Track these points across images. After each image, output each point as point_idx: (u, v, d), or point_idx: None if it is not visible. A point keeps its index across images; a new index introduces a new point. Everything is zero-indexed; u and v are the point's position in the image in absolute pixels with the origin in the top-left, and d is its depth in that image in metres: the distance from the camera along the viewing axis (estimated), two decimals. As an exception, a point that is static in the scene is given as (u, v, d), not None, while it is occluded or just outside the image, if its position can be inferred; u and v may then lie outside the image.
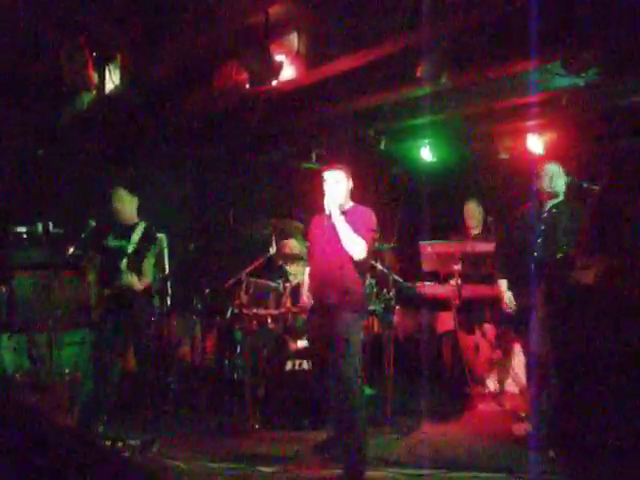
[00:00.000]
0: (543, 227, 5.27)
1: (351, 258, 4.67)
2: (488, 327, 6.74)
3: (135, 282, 5.58)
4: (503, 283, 5.57)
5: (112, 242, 5.73)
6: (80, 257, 5.79)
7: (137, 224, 5.81)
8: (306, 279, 5.13)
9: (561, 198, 5.31)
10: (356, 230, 4.65)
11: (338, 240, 4.68)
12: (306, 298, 4.91)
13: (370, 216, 4.81)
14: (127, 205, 5.77)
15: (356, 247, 4.61)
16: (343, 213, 4.73)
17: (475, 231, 7.13)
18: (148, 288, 5.80)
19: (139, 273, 5.64)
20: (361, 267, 4.79)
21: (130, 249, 5.66)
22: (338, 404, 4.67)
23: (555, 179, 5.24)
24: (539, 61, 4.89)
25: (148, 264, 5.75)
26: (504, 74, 5.42)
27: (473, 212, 7.14)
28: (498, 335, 6.66)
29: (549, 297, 4.86)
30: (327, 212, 4.73)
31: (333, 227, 4.70)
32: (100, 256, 5.77)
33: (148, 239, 5.79)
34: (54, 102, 6.24)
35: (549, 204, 5.32)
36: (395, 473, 4.70)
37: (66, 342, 6.20)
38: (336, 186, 4.78)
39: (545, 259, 5.09)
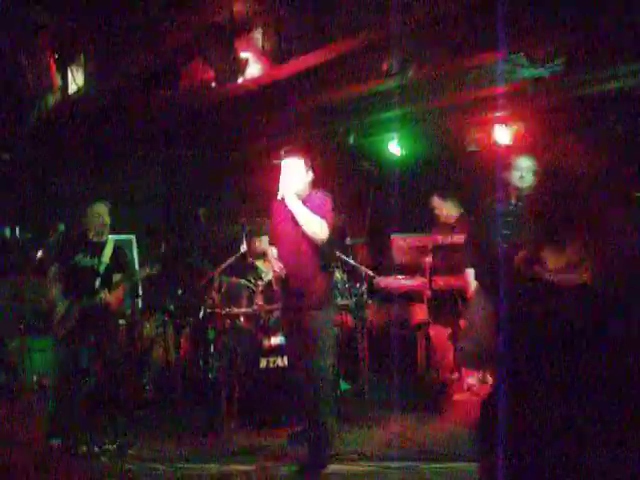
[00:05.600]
0: (510, 219, 5.20)
1: (312, 253, 4.69)
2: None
3: (111, 301, 5.58)
4: (470, 273, 5.55)
5: (83, 261, 5.67)
6: (46, 265, 5.75)
7: (107, 242, 5.77)
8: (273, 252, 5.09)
9: (530, 192, 5.13)
10: (313, 212, 4.64)
11: (297, 232, 4.68)
12: (278, 269, 4.89)
13: (327, 200, 4.79)
14: (107, 219, 5.75)
15: (315, 226, 4.59)
16: (303, 202, 4.71)
17: (450, 220, 6.95)
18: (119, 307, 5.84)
19: (110, 289, 5.63)
20: (324, 259, 4.79)
21: (102, 268, 5.64)
22: (306, 397, 4.76)
23: (526, 174, 5.14)
24: (504, 53, 4.91)
25: (118, 276, 5.73)
26: (470, 66, 5.44)
27: (438, 205, 7.01)
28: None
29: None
30: (280, 197, 4.71)
31: (292, 220, 4.69)
32: (68, 272, 5.69)
33: (119, 259, 5.79)
34: (17, 105, 6.16)
35: (516, 198, 5.26)
36: (373, 466, 4.72)
37: (37, 348, 6.13)
38: (293, 173, 4.76)
39: (510, 251, 5.09)
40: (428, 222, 7.28)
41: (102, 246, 5.73)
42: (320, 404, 4.68)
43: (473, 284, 5.44)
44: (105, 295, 5.54)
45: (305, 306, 4.73)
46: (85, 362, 5.69)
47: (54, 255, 5.79)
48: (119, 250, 5.85)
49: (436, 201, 7.00)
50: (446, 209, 6.95)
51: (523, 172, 5.12)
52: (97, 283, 5.61)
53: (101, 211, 5.73)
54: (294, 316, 4.84)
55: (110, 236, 5.83)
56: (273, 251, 5.05)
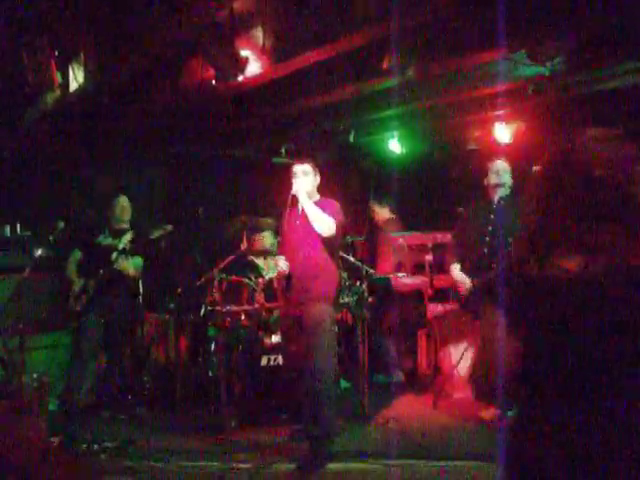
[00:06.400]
0: (492, 217, 5.60)
1: (321, 251, 4.90)
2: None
3: (129, 266, 6.11)
4: (456, 267, 5.79)
5: (104, 241, 6.23)
6: (53, 257, 5.91)
7: (127, 230, 6.30)
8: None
9: (508, 191, 5.66)
10: (323, 211, 4.90)
11: (308, 232, 4.87)
12: (283, 265, 5.06)
13: (336, 205, 5.04)
14: (129, 208, 6.40)
15: (324, 224, 4.83)
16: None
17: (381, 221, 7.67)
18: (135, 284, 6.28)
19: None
20: (332, 257, 5.01)
21: (121, 246, 6.11)
22: (307, 394, 4.80)
23: (502, 174, 5.66)
24: (505, 51, 4.91)
25: (137, 261, 6.23)
26: (470, 65, 5.44)
27: (376, 209, 7.71)
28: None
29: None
30: (293, 194, 4.96)
31: (302, 221, 4.93)
32: (85, 253, 6.22)
33: (137, 244, 6.20)
34: (17, 103, 6.15)
35: (497, 197, 5.68)
36: (373, 465, 4.72)
37: (36, 346, 6.13)
38: (304, 177, 5.02)
39: (496, 247, 5.40)
40: (429, 220, 7.32)
41: (123, 231, 6.26)
42: (322, 401, 4.69)
43: (459, 276, 5.72)
44: (122, 261, 6.04)
45: (309, 298, 4.84)
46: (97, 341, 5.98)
47: (74, 242, 6.25)
48: (139, 239, 6.25)
49: (375, 205, 7.75)
50: (381, 213, 7.69)
51: (500, 172, 5.66)
52: (114, 256, 6.05)
53: (123, 201, 6.36)
54: (297, 310, 4.91)
55: None
56: (281, 260, 5.12)
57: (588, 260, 1.66)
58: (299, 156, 5.37)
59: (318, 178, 5.16)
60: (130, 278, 6.18)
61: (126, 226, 6.34)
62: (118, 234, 6.24)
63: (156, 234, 6.09)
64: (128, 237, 6.20)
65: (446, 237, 6.35)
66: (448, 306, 6.67)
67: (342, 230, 5.16)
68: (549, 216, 1.76)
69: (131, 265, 6.15)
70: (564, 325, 1.68)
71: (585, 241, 1.68)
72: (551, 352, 1.72)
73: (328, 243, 4.91)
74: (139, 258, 6.26)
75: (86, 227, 6.41)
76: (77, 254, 6.22)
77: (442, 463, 4.68)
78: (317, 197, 5.12)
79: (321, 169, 5.24)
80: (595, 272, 1.65)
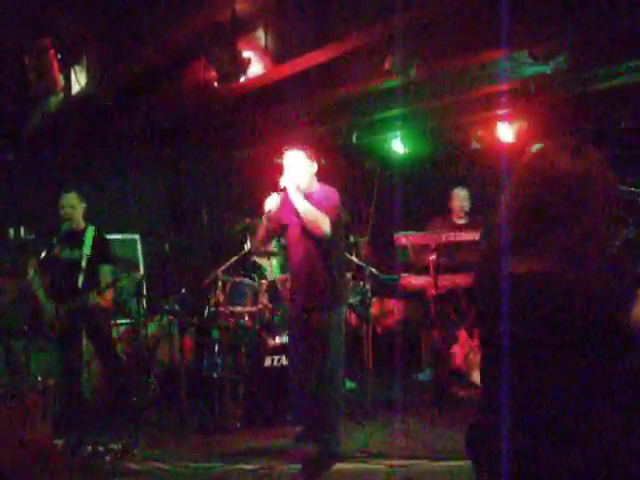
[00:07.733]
0: None
1: (317, 250, 4.59)
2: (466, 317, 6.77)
3: (99, 299, 5.56)
4: None
5: (63, 253, 5.67)
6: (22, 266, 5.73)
7: (85, 229, 5.76)
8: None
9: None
10: (318, 207, 4.52)
11: (302, 232, 4.60)
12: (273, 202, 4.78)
13: (334, 194, 4.69)
14: (77, 209, 5.75)
15: (316, 221, 4.46)
16: (308, 196, 4.59)
17: (460, 221, 7.23)
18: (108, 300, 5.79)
19: (96, 281, 5.63)
20: (330, 256, 4.67)
21: (84, 262, 5.60)
22: (314, 399, 4.70)
23: None
24: (507, 50, 4.90)
25: (106, 270, 5.75)
26: (472, 64, 5.44)
27: (463, 198, 7.28)
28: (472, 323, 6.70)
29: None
30: (281, 187, 4.58)
31: (295, 216, 4.60)
32: (48, 268, 5.70)
33: (101, 245, 5.75)
34: (21, 106, 6.17)
35: None
36: (377, 465, 4.72)
37: (41, 347, 6.13)
38: (296, 167, 4.67)
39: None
40: (431, 220, 7.31)
41: (81, 235, 5.72)
42: (329, 406, 4.64)
43: None
44: (93, 298, 5.52)
45: (313, 306, 4.67)
46: (80, 363, 5.73)
47: (31, 251, 5.75)
48: (101, 239, 5.81)
49: (462, 193, 7.28)
50: (463, 198, 7.23)
51: None
52: (80, 280, 5.58)
53: (69, 199, 5.73)
54: (302, 316, 4.77)
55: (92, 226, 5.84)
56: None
57: (536, 263, 1.76)
58: (293, 143, 4.88)
59: (315, 166, 4.77)
60: (105, 310, 5.74)
61: (84, 225, 5.80)
62: (77, 240, 5.71)
63: (123, 282, 5.85)
64: (89, 243, 5.66)
65: (450, 237, 6.32)
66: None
67: (343, 226, 4.89)
68: (515, 216, 1.87)
69: (104, 294, 5.63)
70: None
71: (536, 243, 1.78)
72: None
73: (326, 241, 4.57)
74: (107, 266, 5.80)
75: (45, 234, 5.78)
76: (35, 269, 5.71)
77: (445, 463, 4.68)
78: (315, 187, 4.76)
79: (320, 162, 4.92)
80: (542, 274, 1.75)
